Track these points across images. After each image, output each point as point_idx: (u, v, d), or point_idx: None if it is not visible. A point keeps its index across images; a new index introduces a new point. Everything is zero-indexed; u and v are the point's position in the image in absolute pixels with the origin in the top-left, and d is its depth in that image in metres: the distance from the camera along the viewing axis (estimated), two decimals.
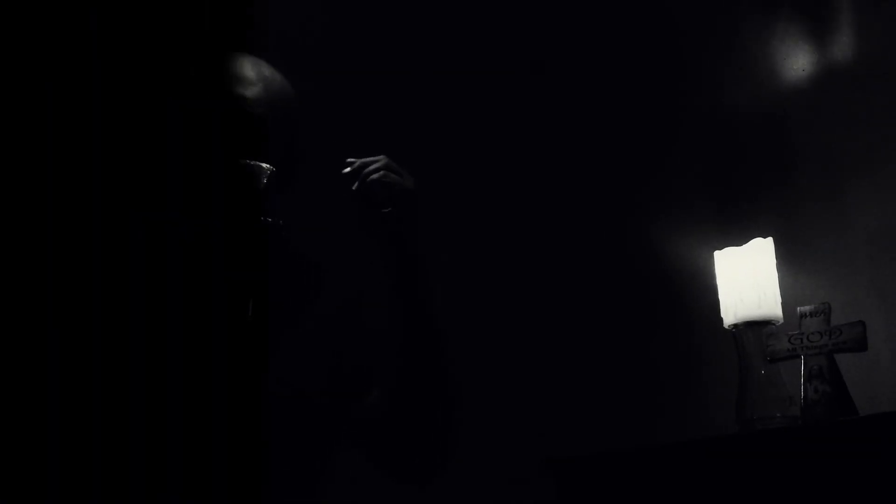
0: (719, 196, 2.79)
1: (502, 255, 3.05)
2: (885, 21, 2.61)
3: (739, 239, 2.44)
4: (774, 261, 2.39)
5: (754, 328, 2.34)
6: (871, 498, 1.95)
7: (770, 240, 2.41)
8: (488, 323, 2.98)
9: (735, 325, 2.37)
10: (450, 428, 1.82)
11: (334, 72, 3.02)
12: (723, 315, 2.39)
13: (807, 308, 2.30)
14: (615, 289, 2.93)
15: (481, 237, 3.06)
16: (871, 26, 2.62)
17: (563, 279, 3.03)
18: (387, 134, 2.43)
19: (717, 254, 2.45)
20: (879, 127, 2.56)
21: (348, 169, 1.75)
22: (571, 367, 2.94)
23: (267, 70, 1.86)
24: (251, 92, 1.81)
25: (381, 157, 1.77)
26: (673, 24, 2.98)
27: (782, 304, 2.36)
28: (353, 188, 1.74)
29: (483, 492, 2.97)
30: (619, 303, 2.91)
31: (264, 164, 1.58)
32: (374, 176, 1.73)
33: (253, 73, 1.83)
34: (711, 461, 2.18)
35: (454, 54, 3.22)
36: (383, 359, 1.80)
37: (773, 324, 2.35)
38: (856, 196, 2.56)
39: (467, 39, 3.23)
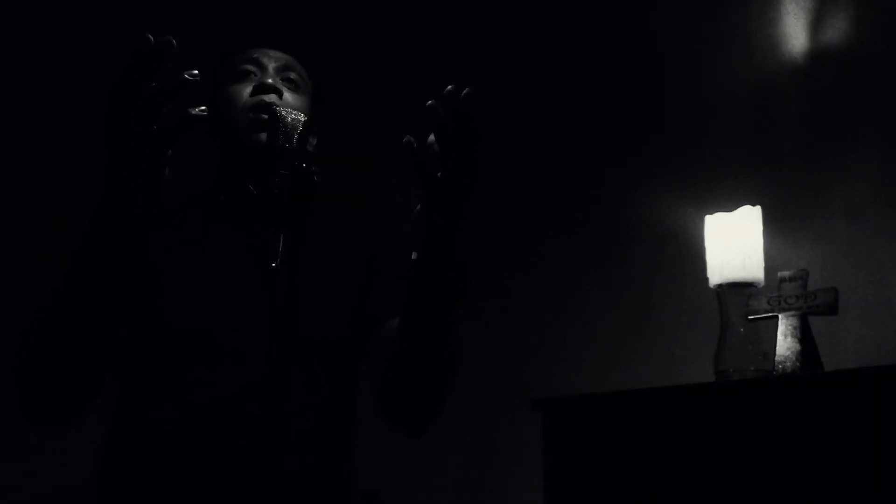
0: (712, 164, 2.95)
1: (502, 212, 3.20)
2: (872, 5, 2.77)
3: (730, 205, 2.60)
4: (761, 227, 2.55)
5: (737, 289, 2.51)
6: (830, 443, 2.13)
7: (758, 207, 2.57)
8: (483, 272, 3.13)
9: (720, 286, 2.53)
10: (448, 391, 1.83)
11: None
12: (709, 275, 2.56)
13: (786, 273, 2.47)
14: (611, 245, 3.09)
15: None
16: (858, 9, 2.78)
17: (563, 235, 3.20)
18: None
19: (707, 218, 2.61)
20: (860, 105, 2.73)
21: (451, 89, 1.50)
22: (564, 314, 3.11)
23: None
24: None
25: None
26: None
27: (764, 268, 2.52)
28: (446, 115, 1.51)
29: (475, 428, 3.14)
30: (615, 258, 3.08)
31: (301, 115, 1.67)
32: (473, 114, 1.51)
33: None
34: (688, 406, 2.36)
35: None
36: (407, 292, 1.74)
37: (755, 286, 2.51)
38: (836, 171, 2.73)
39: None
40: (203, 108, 1.46)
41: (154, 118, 1.45)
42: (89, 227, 1.57)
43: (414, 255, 1.67)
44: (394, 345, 1.79)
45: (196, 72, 1.44)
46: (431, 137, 1.56)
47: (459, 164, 1.55)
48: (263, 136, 1.69)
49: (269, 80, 1.88)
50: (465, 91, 1.50)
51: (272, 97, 1.85)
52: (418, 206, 1.64)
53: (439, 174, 1.56)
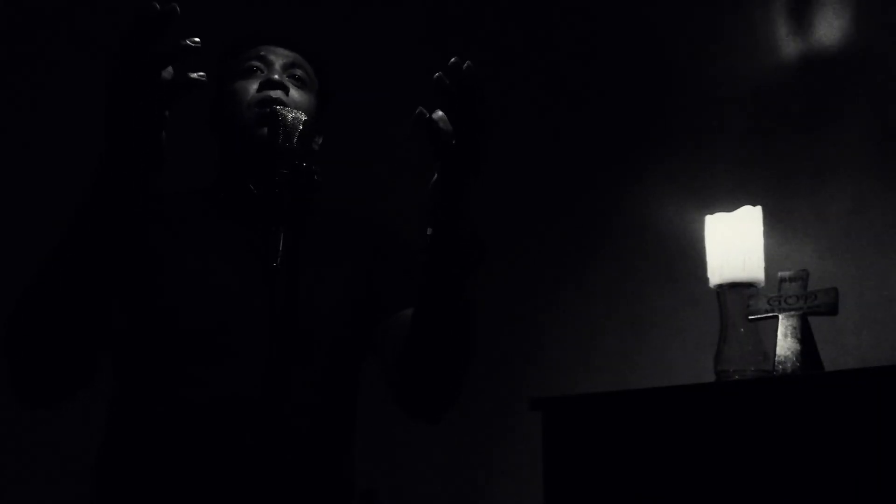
0: (712, 163, 2.95)
1: (504, 210, 3.20)
2: (874, 4, 2.77)
3: (730, 205, 2.60)
4: (761, 227, 2.55)
5: (737, 289, 2.51)
6: (830, 443, 2.13)
7: (758, 208, 2.57)
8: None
9: (720, 286, 2.53)
10: (466, 374, 1.85)
11: None
12: (709, 275, 2.56)
13: (787, 273, 2.47)
14: (611, 245, 3.09)
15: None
16: (860, 9, 2.79)
17: (563, 234, 3.20)
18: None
19: (707, 218, 2.61)
20: (861, 104, 2.73)
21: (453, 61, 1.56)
22: (567, 315, 3.11)
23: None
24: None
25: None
26: None
27: (764, 268, 2.52)
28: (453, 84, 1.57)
29: (475, 428, 3.14)
30: (614, 258, 3.08)
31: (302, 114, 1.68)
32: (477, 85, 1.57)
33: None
34: (688, 406, 2.36)
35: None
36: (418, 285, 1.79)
37: (755, 286, 2.51)
38: (836, 171, 2.73)
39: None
40: (202, 73, 1.49)
41: (154, 79, 1.47)
42: (89, 193, 1.58)
43: (429, 231, 1.70)
44: (410, 329, 1.80)
45: (197, 39, 1.47)
46: (438, 112, 1.60)
47: (469, 131, 1.59)
48: (265, 130, 1.70)
49: (276, 77, 1.89)
50: (466, 63, 1.55)
51: (278, 93, 1.86)
52: (434, 177, 1.66)
53: (453, 142, 1.60)
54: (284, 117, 1.64)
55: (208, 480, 1.73)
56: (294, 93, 1.89)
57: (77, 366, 1.69)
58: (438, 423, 1.91)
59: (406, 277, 1.92)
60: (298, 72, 1.94)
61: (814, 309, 2.38)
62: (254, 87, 1.88)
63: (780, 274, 2.47)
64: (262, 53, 1.93)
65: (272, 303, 1.51)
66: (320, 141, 1.97)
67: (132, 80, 1.47)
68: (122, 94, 1.48)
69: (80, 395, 1.74)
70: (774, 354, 2.36)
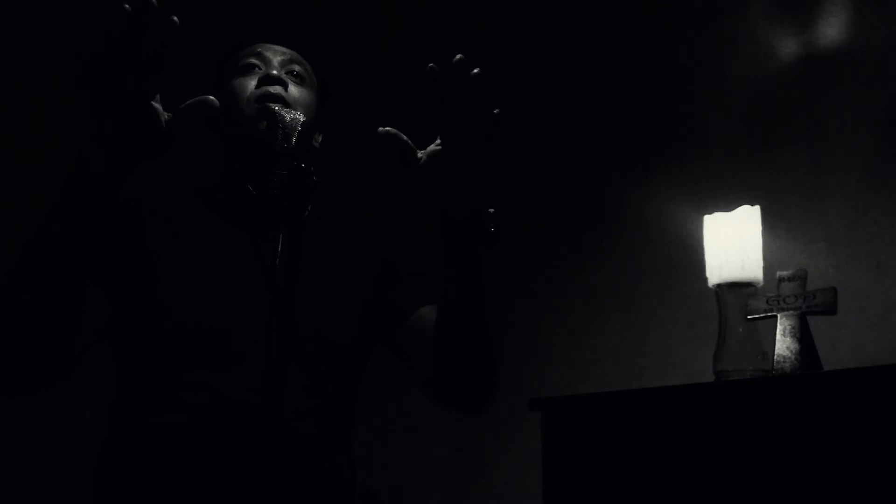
0: (711, 163, 2.96)
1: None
2: (872, 5, 2.78)
3: (729, 205, 2.60)
4: (760, 227, 2.55)
5: (736, 289, 2.51)
6: (830, 443, 2.14)
7: (757, 207, 2.57)
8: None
9: (718, 285, 2.53)
10: (500, 358, 1.86)
11: None
12: (708, 275, 2.56)
13: (785, 273, 2.47)
14: (610, 245, 3.10)
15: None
16: (859, 9, 2.79)
17: (562, 234, 3.20)
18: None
19: (706, 218, 2.61)
20: (860, 104, 2.73)
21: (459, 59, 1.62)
22: (565, 315, 3.12)
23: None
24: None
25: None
26: None
27: (763, 268, 2.53)
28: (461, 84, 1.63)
29: (475, 428, 3.14)
30: (614, 258, 3.08)
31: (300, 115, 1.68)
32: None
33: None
34: (687, 406, 2.36)
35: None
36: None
37: (754, 286, 2.51)
38: (835, 171, 2.74)
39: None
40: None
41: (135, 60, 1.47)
42: (68, 178, 1.57)
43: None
44: (438, 321, 1.81)
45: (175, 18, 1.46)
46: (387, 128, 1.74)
47: (459, 129, 1.68)
48: (264, 124, 1.71)
49: (274, 72, 1.89)
50: (475, 70, 1.61)
51: (277, 89, 1.86)
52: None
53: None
54: (283, 118, 1.64)
55: (208, 482, 1.73)
56: (293, 89, 1.89)
57: (50, 356, 1.66)
58: (481, 413, 1.90)
59: (416, 276, 1.93)
60: (297, 68, 1.95)
61: (813, 308, 2.38)
62: (252, 83, 1.88)
63: (778, 273, 2.48)
64: (260, 51, 1.94)
65: (271, 304, 1.50)
66: (320, 139, 1.97)
67: (111, 67, 1.47)
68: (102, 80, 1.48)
69: (79, 395, 1.73)
70: (773, 354, 2.37)
